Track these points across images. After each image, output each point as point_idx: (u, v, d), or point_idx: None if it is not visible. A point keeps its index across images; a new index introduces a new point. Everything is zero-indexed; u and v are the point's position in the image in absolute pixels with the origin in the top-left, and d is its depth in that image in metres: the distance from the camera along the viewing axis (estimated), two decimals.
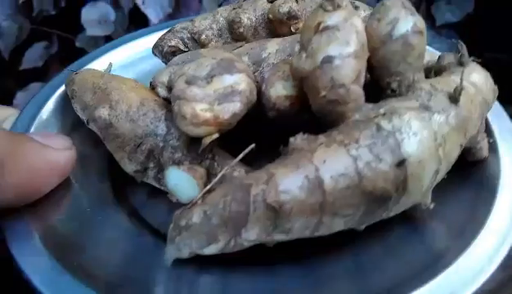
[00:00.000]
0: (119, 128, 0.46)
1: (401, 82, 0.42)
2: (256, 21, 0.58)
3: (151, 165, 0.45)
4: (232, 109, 0.42)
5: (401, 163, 0.38)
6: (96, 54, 0.62)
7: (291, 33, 0.56)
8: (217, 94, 0.42)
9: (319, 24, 0.41)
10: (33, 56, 1.03)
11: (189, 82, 0.43)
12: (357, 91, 0.40)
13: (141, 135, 0.45)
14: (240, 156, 0.41)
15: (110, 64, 0.60)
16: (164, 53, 0.58)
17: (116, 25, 1.07)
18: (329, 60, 0.39)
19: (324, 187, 0.37)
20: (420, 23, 0.42)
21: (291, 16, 0.55)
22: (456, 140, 0.41)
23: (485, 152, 0.46)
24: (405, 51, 0.42)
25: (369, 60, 0.42)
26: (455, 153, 0.42)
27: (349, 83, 0.40)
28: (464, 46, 0.47)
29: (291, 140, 0.41)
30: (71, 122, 0.53)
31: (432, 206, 0.42)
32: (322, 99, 0.40)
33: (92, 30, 1.00)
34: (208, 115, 0.41)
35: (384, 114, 0.40)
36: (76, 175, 0.48)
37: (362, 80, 0.41)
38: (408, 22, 0.41)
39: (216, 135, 0.41)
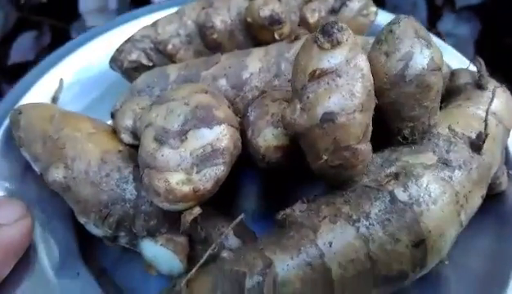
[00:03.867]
0: (79, 193, 0.38)
1: (415, 128, 0.35)
2: (232, 24, 0.48)
3: (122, 234, 0.38)
4: (215, 174, 0.35)
5: (420, 243, 0.32)
6: (53, 59, 0.52)
7: (275, 40, 0.47)
8: (194, 157, 0.35)
9: (315, 70, 0.33)
10: (22, 48, 0.89)
11: (159, 141, 0.35)
12: (366, 151, 0.33)
13: (106, 203, 0.38)
14: (229, 229, 0.35)
15: (61, 83, 0.50)
16: (125, 69, 0.49)
17: (118, 14, 0.91)
18: (330, 117, 0.32)
19: (332, 276, 0.31)
20: (438, 56, 0.34)
21: (274, 21, 0.46)
22: (478, 193, 0.36)
23: (504, 185, 0.41)
24: (421, 94, 0.34)
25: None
26: (476, 207, 0.36)
27: (356, 144, 0.32)
28: (483, 64, 0.40)
29: (288, 211, 0.34)
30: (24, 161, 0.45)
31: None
32: (324, 162, 0.33)
33: (92, 20, 0.85)
34: (186, 189, 0.34)
35: (398, 177, 0.33)
36: (38, 230, 0.41)
37: (370, 134, 0.33)
38: (424, 57, 0.34)
39: (198, 211, 0.34)
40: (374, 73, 0.34)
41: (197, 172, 0.34)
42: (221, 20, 0.48)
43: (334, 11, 0.48)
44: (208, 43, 0.49)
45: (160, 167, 0.34)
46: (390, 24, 0.36)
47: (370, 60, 0.35)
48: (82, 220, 0.39)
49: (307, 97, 0.33)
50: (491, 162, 0.36)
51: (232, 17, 0.48)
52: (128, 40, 0.49)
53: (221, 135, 0.35)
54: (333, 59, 0.32)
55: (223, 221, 0.38)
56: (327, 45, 0.33)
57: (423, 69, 0.34)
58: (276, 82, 0.43)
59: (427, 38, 0.34)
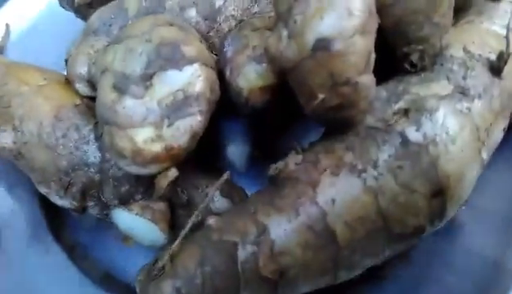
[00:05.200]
0: (34, 160, 0.32)
1: (425, 51, 0.29)
2: None
3: (90, 204, 0.33)
4: (190, 127, 0.29)
5: (439, 192, 0.27)
6: None
7: None
8: (163, 107, 0.29)
9: None
10: None
11: (118, 89, 0.29)
12: (369, 83, 0.27)
13: (66, 170, 0.32)
14: (214, 189, 0.29)
15: (7, 29, 0.43)
16: (76, 6, 0.41)
17: None
18: (324, 44, 0.26)
19: (337, 239, 0.27)
20: None
21: None
22: (501, 125, 0.30)
23: None
24: (430, 7, 0.28)
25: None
26: (498, 141, 0.31)
27: (357, 76, 0.27)
28: None
29: (281, 164, 0.29)
30: None
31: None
32: (319, 103, 0.27)
33: None
34: (156, 148, 0.28)
35: (408, 113, 0.28)
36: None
37: (373, 63, 0.28)
38: None
39: (174, 174, 0.29)
40: None
41: (168, 126, 0.28)
42: None
43: None
44: None
45: (123, 122, 0.28)
46: None
47: None
48: (42, 190, 0.34)
49: (295, 21, 0.27)
50: None
51: None
52: None
53: (193, 78, 0.29)
54: None
55: (207, 180, 0.33)
56: None
57: None
58: (256, 8, 0.36)
59: None
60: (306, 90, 0.27)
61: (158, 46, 0.29)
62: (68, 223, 0.38)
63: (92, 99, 0.34)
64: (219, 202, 0.32)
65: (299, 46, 0.26)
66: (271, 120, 0.36)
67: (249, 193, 0.39)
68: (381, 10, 0.28)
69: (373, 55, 0.27)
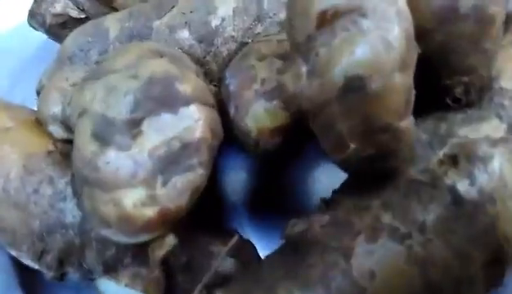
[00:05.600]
0: (1, 221, 0.27)
1: (472, 84, 0.24)
2: None
3: (71, 269, 0.27)
4: (190, 183, 0.23)
5: (499, 258, 0.22)
6: None
7: None
8: (156, 160, 0.23)
9: (325, 10, 0.21)
10: None
11: (100, 139, 0.23)
12: (410, 128, 0.22)
13: (39, 232, 0.26)
14: (222, 255, 0.24)
15: None
16: (48, 26, 0.35)
17: None
18: (357, 83, 0.21)
19: None
20: None
21: None
22: None
23: None
24: (479, 32, 0.23)
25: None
26: None
27: (398, 121, 0.21)
28: None
29: (302, 226, 0.24)
30: None
31: None
32: (351, 153, 0.22)
33: None
34: (149, 213, 0.23)
35: (456, 162, 0.23)
36: None
37: (412, 102, 0.23)
38: None
39: (172, 242, 0.24)
40: (411, 5, 0.22)
41: (163, 184, 0.23)
42: None
43: None
44: None
45: (106, 182, 0.23)
46: None
47: None
48: (12, 252, 0.28)
49: (317, 54, 0.21)
50: None
51: None
52: None
53: (192, 122, 0.24)
54: None
55: (208, 235, 0.27)
56: None
57: None
58: (259, 28, 0.31)
59: None
60: (333, 137, 0.22)
61: (147, 84, 0.24)
62: (45, 280, 0.32)
63: (69, 142, 0.29)
64: (225, 262, 0.27)
65: (325, 85, 0.21)
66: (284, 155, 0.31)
67: (252, 231, 0.34)
68: (420, 36, 0.23)
69: (413, 93, 0.22)
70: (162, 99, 0.24)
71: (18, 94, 0.33)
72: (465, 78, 0.24)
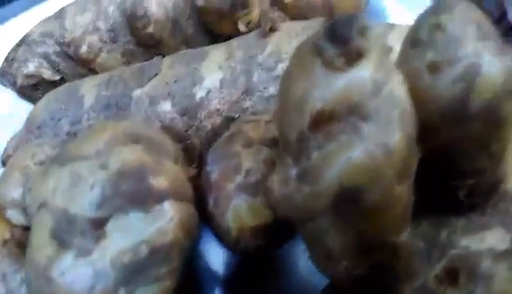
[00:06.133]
0: None
1: (477, 186, 0.22)
2: (174, 9, 0.33)
3: None
4: None
5: None
6: None
7: (235, 33, 0.32)
8: (118, 270, 0.20)
9: (322, 109, 0.18)
10: None
11: (59, 240, 0.20)
12: (406, 245, 0.19)
13: None
14: None
15: None
16: (19, 87, 0.33)
17: None
18: (354, 194, 0.18)
19: None
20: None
21: (237, 4, 0.31)
22: None
23: None
24: (490, 134, 0.20)
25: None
26: None
27: (396, 236, 0.19)
28: None
29: None
30: None
31: None
32: (342, 270, 0.19)
33: None
34: None
35: (457, 279, 0.20)
36: None
37: (411, 213, 0.20)
38: (499, 69, 0.20)
39: None
40: (416, 103, 0.20)
41: None
42: (157, 3, 0.32)
43: None
44: (142, 40, 0.33)
45: (61, 293, 0.20)
46: (434, 12, 0.21)
47: (406, 77, 0.21)
48: None
49: (309, 157, 0.19)
50: None
51: (176, 1, 0.33)
52: (22, 42, 0.33)
53: (164, 223, 0.21)
54: (353, 86, 0.18)
55: None
56: (341, 61, 0.18)
57: (496, 92, 0.20)
58: (248, 102, 0.28)
59: (496, 38, 0.20)
60: (323, 251, 0.20)
61: (116, 177, 0.21)
62: None
63: (29, 229, 0.26)
64: None
65: (316, 193, 0.19)
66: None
67: None
68: (423, 135, 0.21)
69: (411, 204, 0.20)
70: (132, 195, 0.21)
71: None
72: (471, 181, 0.22)
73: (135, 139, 0.23)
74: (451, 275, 0.21)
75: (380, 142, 0.18)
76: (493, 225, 0.22)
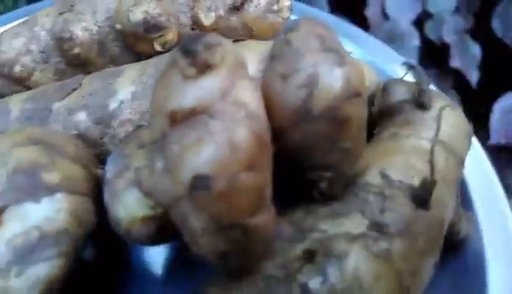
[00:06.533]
0: None
1: (335, 179, 0.25)
2: (100, 32, 0.36)
3: None
4: (45, 276, 0.23)
5: None
6: None
7: (156, 52, 0.35)
8: (12, 250, 0.23)
9: (175, 110, 0.21)
10: None
11: None
12: (262, 227, 0.22)
13: None
14: None
15: None
16: None
17: None
18: (203, 183, 0.21)
19: None
20: (356, 75, 0.24)
21: (150, 27, 0.35)
22: (430, 262, 0.26)
23: (463, 232, 0.31)
24: (335, 132, 0.24)
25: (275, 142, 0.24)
26: (428, 279, 0.26)
27: (247, 219, 0.22)
28: (423, 72, 0.30)
29: None
30: None
31: None
32: (204, 247, 0.22)
33: None
34: None
35: (314, 258, 0.23)
36: None
37: (270, 197, 0.23)
38: (335, 79, 0.23)
39: None
40: (269, 105, 0.23)
41: (17, 275, 0.23)
42: (83, 27, 0.36)
43: (235, 8, 0.37)
44: (70, 60, 0.36)
45: None
46: (286, 30, 0.25)
47: (265, 85, 0.24)
48: None
49: (170, 151, 0.22)
50: (443, 214, 0.26)
51: (100, 23, 0.36)
52: None
53: (53, 211, 0.24)
54: (201, 91, 0.21)
55: None
56: (191, 71, 0.21)
57: (335, 97, 0.23)
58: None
59: (338, 50, 0.24)
60: (188, 232, 0.22)
61: (12, 173, 0.24)
62: None
63: None
64: None
65: (175, 182, 0.21)
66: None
67: None
68: (280, 132, 0.24)
69: (269, 189, 0.23)
70: (26, 188, 0.24)
71: None
72: (328, 174, 0.25)
73: (35, 142, 0.26)
74: (309, 255, 0.23)
75: (227, 137, 0.21)
76: (351, 212, 0.25)
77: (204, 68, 0.22)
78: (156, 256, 0.36)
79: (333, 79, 0.23)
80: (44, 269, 0.23)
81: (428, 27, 0.63)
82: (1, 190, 0.24)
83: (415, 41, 0.63)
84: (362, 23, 0.63)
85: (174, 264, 0.36)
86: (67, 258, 0.24)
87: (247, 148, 0.21)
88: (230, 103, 0.22)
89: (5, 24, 0.42)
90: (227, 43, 0.22)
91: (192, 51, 0.21)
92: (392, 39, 0.61)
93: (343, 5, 0.65)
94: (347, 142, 0.24)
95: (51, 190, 0.24)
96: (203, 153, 0.21)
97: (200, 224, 0.22)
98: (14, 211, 0.24)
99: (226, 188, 0.21)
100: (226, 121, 0.21)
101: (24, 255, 0.23)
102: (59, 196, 0.24)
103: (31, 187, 0.24)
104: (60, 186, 0.24)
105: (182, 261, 0.36)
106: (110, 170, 0.27)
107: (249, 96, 0.22)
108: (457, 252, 0.31)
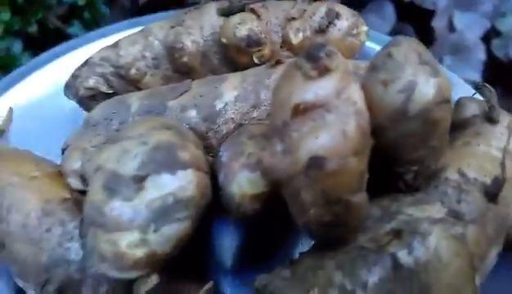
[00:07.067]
0: (16, 252, 0.31)
1: (420, 173, 0.29)
2: (205, 44, 0.42)
3: None
4: (176, 233, 0.28)
5: None
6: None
7: (254, 64, 0.41)
8: (151, 210, 0.28)
9: (298, 104, 0.26)
10: None
11: (109, 189, 0.29)
12: (361, 203, 0.27)
13: (46, 266, 0.31)
14: None
15: (10, 113, 0.44)
16: (80, 97, 0.42)
17: None
18: (318, 163, 0.26)
19: None
20: (445, 86, 0.28)
21: (252, 42, 0.40)
22: (495, 250, 0.30)
23: None
24: (426, 132, 0.28)
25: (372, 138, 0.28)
26: (491, 266, 0.30)
27: (350, 195, 0.26)
28: (493, 93, 0.34)
29: (267, 278, 0.28)
30: None
31: None
32: (311, 217, 0.27)
33: None
34: (139, 254, 0.27)
35: (401, 235, 0.27)
36: None
37: (365, 182, 0.27)
38: (430, 88, 0.28)
39: (154, 280, 0.28)
40: (369, 106, 0.28)
41: (154, 231, 0.28)
42: (192, 40, 0.42)
43: (321, 31, 0.43)
44: (178, 67, 0.42)
45: (109, 224, 0.28)
46: (388, 46, 0.30)
47: (365, 90, 0.29)
48: (20, 283, 0.32)
49: (290, 137, 0.27)
50: (508, 210, 0.30)
51: (205, 37, 0.42)
52: (85, 63, 0.43)
53: (185, 183, 0.29)
54: (320, 90, 0.26)
55: (190, 285, 0.31)
56: (313, 73, 0.27)
57: (428, 102, 0.28)
58: (255, 113, 0.37)
59: (432, 64, 0.29)
60: (298, 204, 0.27)
61: (153, 149, 0.29)
62: None
63: (83, 193, 0.34)
64: None
65: (293, 161, 0.26)
66: (264, 223, 0.35)
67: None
68: (377, 129, 0.29)
69: (366, 175, 0.27)
70: (164, 162, 0.29)
71: (47, 148, 0.39)
72: (415, 167, 0.29)
73: (167, 127, 0.31)
74: (397, 233, 0.28)
75: (339, 128, 0.26)
76: (433, 201, 0.29)
77: (324, 71, 0.27)
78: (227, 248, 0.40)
79: (428, 87, 0.27)
80: (176, 227, 0.28)
81: (495, 44, 0.65)
82: (142, 162, 0.29)
83: (481, 55, 0.65)
84: (428, 33, 0.65)
85: (242, 254, 0.40)
86: (192, 221, 0.29)
87: (355, 137, 0.26)
88: (342, 101, 0.26)
89: (115, 32, 0.49)
90: (339, 52, 0.28)
91: (316, 57, 0.26)
92: (458, 51, 0.64)
93: (409, 15, 0.68)
94: (434, 141, 0.29)
95: (184, 166, 0.29)
96: (319, 139, 0.26)
97: (311, 197, 0.26)
98: (154, 180, 0.29)
99: (336, 168, 0.26)
100: (339, 115, 0.26)
101: (160, 215, 0.28)
102: (189, 171, 0.29)
103: (169, 162, 0.29)
104: (190, 163, 0.30)
105: (249, 253, 0.40)
106: (225, 155, 0.32)
107: (357, 96, 0.27)
108: None
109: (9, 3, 0.57)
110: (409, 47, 0.29)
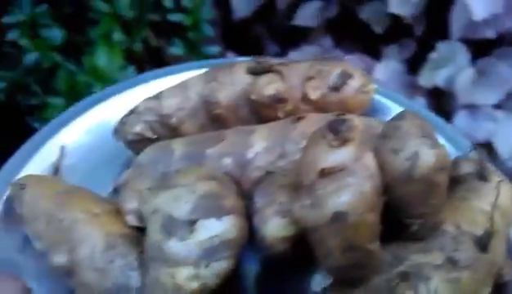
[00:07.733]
0: (83, 278, 0.37)
1: (423, 225, 0.36)
2: (236, 99, 0.49)
3: None
4: (222, 268, 0.34)
5: None
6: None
7: (277, 117, 0.47)
8: (202, 250, 0.34)
9: (324, 168, 0.33)
10: (308, 14, 0.97)
11: (167, 230, 0.35)
12: (377, 250, 0.33)
13: (110, 291, 0.37)
14: None
15: (62, 151, 0.50)
16: (128, 141, 0.48)
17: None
18: (341, 217, 0.32)
19: None
20: (444, 155, 0.35)
21: (278, 100, 0.47)
22: (485, 291, 0.36)
23: (507, 276, 0.41)
24: (428, 192, 0.35)
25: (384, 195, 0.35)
26: None
27: (368, 244, 0.33)
28: (483, 153, 0.41)
29: None
30: None
31: None
32: (334, 260, 0.33)
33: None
34: (194, 285, 0.33)
35: (408, 278, 0.33)
36: None
37: (378, 233, 0.34)
38: (430, 157, 0.34)
39: None
40: (382, 168, 0.35)
41: (206, 266, 0.34)
42: (225, 95, 0.49)
43: (335, 89, 0.49)
44: (213, 117, 0.49)
45: (168, 260, 0.34)
46: (396, 119, 0.36)
47: (378, 155, 0.35)
48: None
49: (317, 194, 0.33)
50: (497, 258, 0.36)
51: (237, 92, 0.49)
52: (132, 112, 0.49)
53: (229, 226, 0.35)
54: (342, 157, 0.33)
55: None
56: (335, 143, 0.33)
57: (430, 168, 0.34)
58: (281, 162, 0.43)
59: (432, 137, 0.35)
60: (323, 249, 0.33)
61: (201, 197, 0.36)
62: None
63: (139, 229, 0.40)
64: None
65: (320, 214, 0.33)
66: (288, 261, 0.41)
67: None
68: (387, 187, 0.35)
69: (379, 227, 0.34)
70: (211, 208, 0.36)
71: (98, 185, 0.45)
72: (419, 221, 0.36)
73: (211, 177, 0.38)
74: (404, 275, 0.34)
75: (357, 189, 0.32)
76: (433, 249, 0.35)
77: (344, 142, 0.33)
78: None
79: (429, 157, 0.34)
80: (222, 264, 0.34)
81: None
82: (193, 208, 0.35)
83: None
84: None
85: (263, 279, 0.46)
86: (234, 259, 0.35)
87: (370, 196, 0.32)
88: (359, 166, 0.33)
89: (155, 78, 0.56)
90: (359, 125, 0.34)
91: (338, 130, 0.33)
92: None
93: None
94: (434, 199, 0.35)
95: (228, 212, 0.36)
96: (341, 198, 0.32)
97: (335, 244, 0.33)
98: (203, 223, 0.35)
99: (356, 222, 0.32)
100: (357, 178, 0.33)
101: (210, 253, 0.34)
102: (232, 216, 0.36)
103: (215, 208, 0.35)
104: (233, 210, 0.36)
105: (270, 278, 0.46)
106: (260, 202, 0.38)
107: (371, 162, 0.34)
108: (500, 291, 0.41)
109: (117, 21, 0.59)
110: (412, 121, 0.35)
